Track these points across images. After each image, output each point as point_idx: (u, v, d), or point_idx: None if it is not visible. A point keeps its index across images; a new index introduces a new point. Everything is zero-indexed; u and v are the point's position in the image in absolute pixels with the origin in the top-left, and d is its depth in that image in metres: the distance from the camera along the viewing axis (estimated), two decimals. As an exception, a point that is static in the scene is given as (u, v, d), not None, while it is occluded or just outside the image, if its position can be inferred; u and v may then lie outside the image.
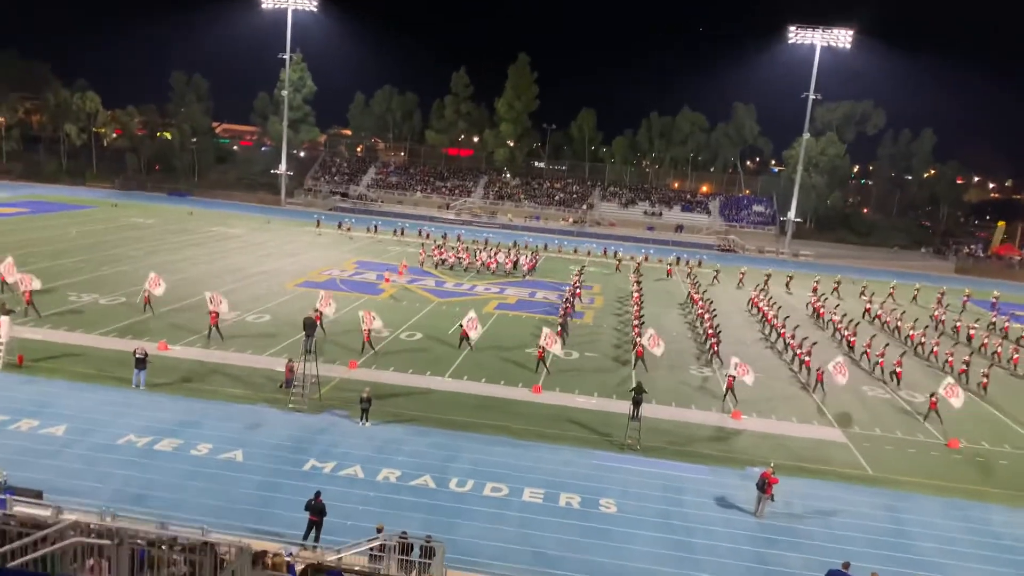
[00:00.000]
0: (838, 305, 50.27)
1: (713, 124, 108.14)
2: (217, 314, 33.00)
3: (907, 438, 28.44)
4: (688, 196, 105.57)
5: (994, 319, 50.97)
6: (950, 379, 31.56)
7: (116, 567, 9.93)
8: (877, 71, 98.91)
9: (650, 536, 19.47)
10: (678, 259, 69.95)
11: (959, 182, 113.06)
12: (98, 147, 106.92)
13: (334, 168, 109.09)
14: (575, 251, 72.08)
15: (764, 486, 20.66)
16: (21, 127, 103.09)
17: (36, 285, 34.41)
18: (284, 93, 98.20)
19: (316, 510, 17.36)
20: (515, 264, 59.24)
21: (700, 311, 44.30)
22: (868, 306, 51.41)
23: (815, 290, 55.70)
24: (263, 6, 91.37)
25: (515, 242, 70.49)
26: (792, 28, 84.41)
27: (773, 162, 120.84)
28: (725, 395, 30.48)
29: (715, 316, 41.91)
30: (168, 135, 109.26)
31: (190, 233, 64.52)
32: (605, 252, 71.76)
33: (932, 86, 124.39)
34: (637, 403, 25.49)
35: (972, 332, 45.32)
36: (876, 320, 48.92)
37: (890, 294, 57.41)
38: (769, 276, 59.09)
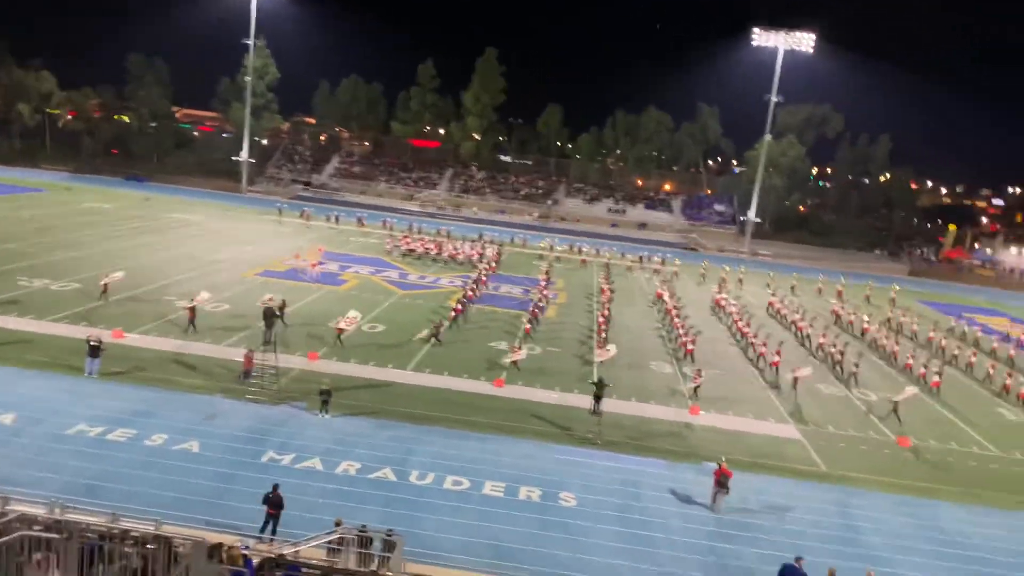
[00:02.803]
0: (799, 305, 51.21)
1: (678, 123, 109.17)
2: (194, 308, 32.34)
3: (859, 435, 29.09)
4: (652, 194, 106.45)
5: (954, 324, 52.35)
6: (911, 388, 32.47)
7: (65, 561, 9.69)
8: (837, 76, 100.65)
9: (608, 530, 19.62)
10: (641, 258, 70.34)
11: (913, 187, 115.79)
12: (52, 129, 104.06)
13: (297, 156, 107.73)
14: (551, 248, 71.92)
15: (726, 482, 20.92)
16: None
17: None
18: (247, 79, 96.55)
19: (274, 503, 17.15)
20: (481, 256, 59.27)
21: (669, 309, 45.11)
22: (836, 309, 52.48)
23: (768, 286, 57.84)
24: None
25: (480, 235, 70.49)
26: (756, 30, 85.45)
27: (735, 162, 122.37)
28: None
29: (687, 317, 42.43)
30: (126, 118, 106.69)
31: (147, 219, 63.15)
32: (571, 248, 71.87)
33: (889, 92, 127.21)
34: (598, 398, 25.69)
35: (931, 335, 46.49)
36: (838, 319, 50.16)
37: (839, 293, 59.14)
38: (726, 275, 60.54)
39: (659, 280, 57.45)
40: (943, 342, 45.21)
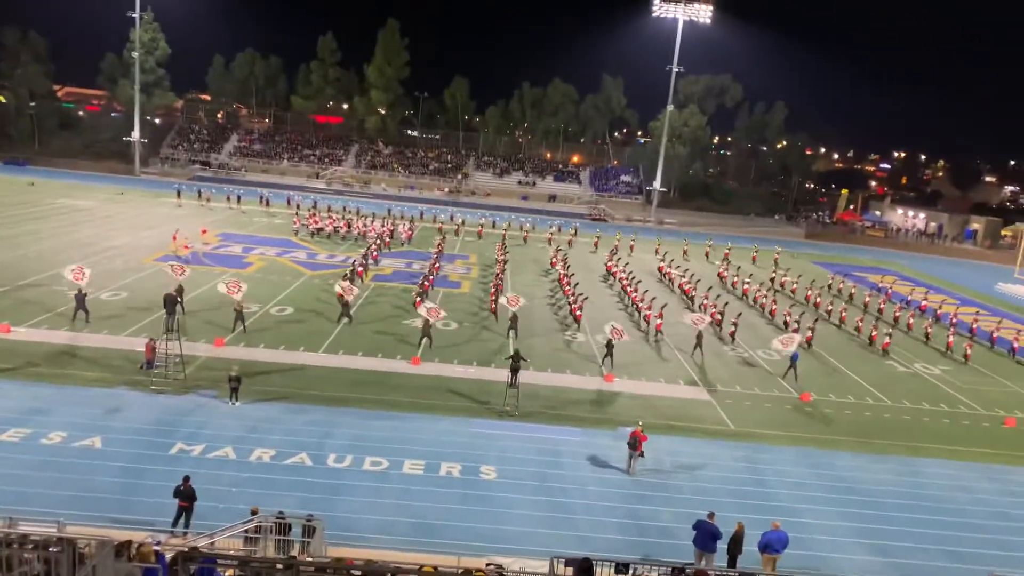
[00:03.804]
0: (687, 269, 52.89)
1: (583, 96, 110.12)
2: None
3: (764, 394, 30.40)
4: (560, 166, 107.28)
5: (831, 280, 55.47)
6: (791, 334, 33.81)
7: (-43, 572, 9.12)
8: (734, 46, 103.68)
9: (529, 499, 19.90)
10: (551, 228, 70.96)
11: (808, 153, 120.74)
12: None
13: (193, 135, 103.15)
14: (454, 220, 71.51)
15: (635, 444, 21.55)
16: None
17: None
18: (135, 55, 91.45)
19: (185, 495, 16.59)
20: (391, 233, 58.59)
21: (560, 277, 46.38)
22: (722, 271, 54.62)
23: (657, 251, 60.05)
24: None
25: (388, 210, 69.61)
26: (656, 1, 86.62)
27: (640, 133, 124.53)
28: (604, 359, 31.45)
29: (577, 284, 43.49)
30: (1, 99, 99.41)
31: (32, 205, 59.39)
32: (484, 221, 71.79)
33: (783, 62, 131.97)
34: (515, 370, 25.88)
35: (809, 293, 48.95)
36: (723, 281, 52.53)
37: (725, 256, 61.49)
38: (619, 242, 62.69)
39: (553, 249, 58.37)
40: (818, 299, 47.73)
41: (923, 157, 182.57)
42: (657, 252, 60.36)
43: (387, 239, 55.72)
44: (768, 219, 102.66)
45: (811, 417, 28.36)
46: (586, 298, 39.98)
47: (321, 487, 19.40)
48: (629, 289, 44.26)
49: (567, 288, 42.91)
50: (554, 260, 52.19)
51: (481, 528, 18.28)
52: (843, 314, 44.23)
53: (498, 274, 44.18)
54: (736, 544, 16.81)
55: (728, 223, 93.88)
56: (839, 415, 28.83)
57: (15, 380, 24.28)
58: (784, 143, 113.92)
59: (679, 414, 27.28)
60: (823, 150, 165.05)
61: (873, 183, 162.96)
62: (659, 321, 37.17)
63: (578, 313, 37.86)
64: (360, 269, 42.82)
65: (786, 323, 40.95)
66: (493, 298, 38.91)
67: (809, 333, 38.26)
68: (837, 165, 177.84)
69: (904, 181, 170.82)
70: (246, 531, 14.74)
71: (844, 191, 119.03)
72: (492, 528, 18.34)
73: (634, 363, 32.46)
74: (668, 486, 21.44)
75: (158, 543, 13.27)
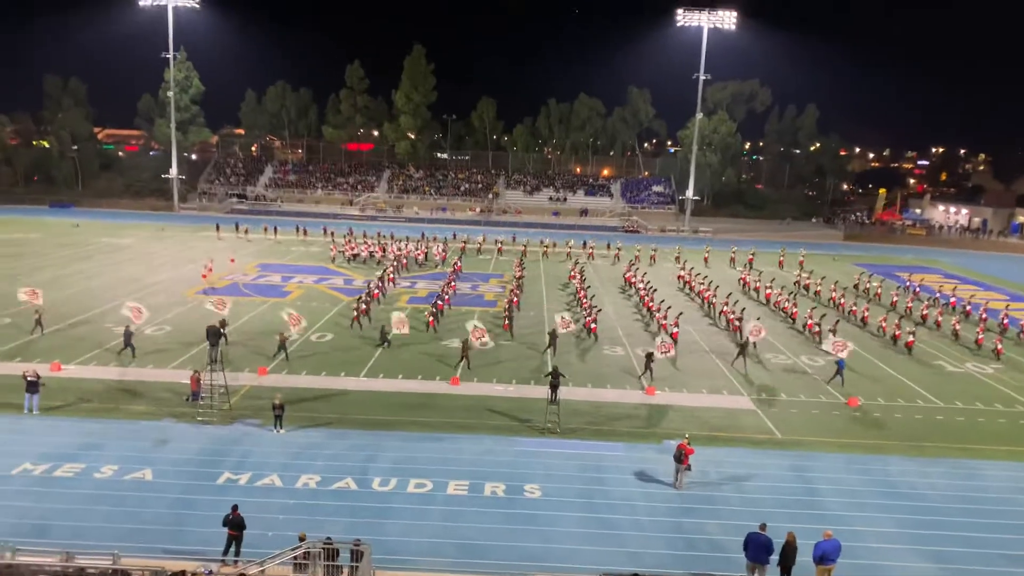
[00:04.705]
0: (706, 276, 52.35)
1: (610, 109, 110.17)
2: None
3: (810, 400, 29.85)
4: (590, 180, 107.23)
5: (857, 280, 54.67)
6: (832, 338, 33.38)
7: (19, 606, 9.35)
8: (761, 51, 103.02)
9: (575, 517, 19.74)
10: (585, 243, 70.93)
11: (842, 154, 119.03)
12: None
13: (229, 169, 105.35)
14: (493, 240, 71.85)
15: (681, 457, 21.28)
16: None
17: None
18: (170, 94, 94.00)
19: (234, 524, 16.79)
20: (426, 255, 59.13)
21: (578, 290, 46.47)
22: (744, 276, 54.04)
23: (677, 260, 60.45)
24: (140, 4, 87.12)
25: (423, 233, 70.22)
26: (679, 11, 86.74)
27: (669, 143, 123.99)
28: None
29: (593, 296, 43.33)
30: (45, 143, 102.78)
31: (77, 246, 61.10)
32: (514, 239, 72.08)
33: (811, 63, 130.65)
34: (555, 387, 25.80)
35: (833, 295, 48.17)
36: (746, 286, 52.12)
37: (749, 261, 61.27)
38: (639, 253, 62.89)
39: (571, 262, 58.25)
40: (842, 300, 47.14)
41: (962, 151, 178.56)
42: (677, 260, 60.02)
43: (403, 261, 56.02)
44: (805, 222, 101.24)
45: (860, 422, 27.74)
46: (599, 310, 39.93)
47: (367, 511, 19.49)
48: (646, 299, 44.02)
49: (584, 301, 42.78)
50: (572, 274, 52.14)
51: (528, 547, 18.18)
52: (866, 314, 43.43)
53: (512, 290, 44.20)
54: (788, 555, 16.48)
55: (763, 229, 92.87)
56: (889, 419, 28.16)
57: (68, 416, 24.88)
58: (817, 145, 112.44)
59: (724, 424, 26.91)
60: (858, 150, 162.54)
61: (912, 181, 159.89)
62: (675, 330, 36.70)
63: (592, 326, 37.71)
64: (376, 291, 43.14)
65: (807, 326, 40.20)
66: (506, 315, 39.02)
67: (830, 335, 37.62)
68: (873, 164, 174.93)
69: (944, 177, 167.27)
70: (295, 558, 14.88)
71: (881, 190, 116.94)
72: (539, 547, 18.22)
73: (675, 374, 32.15)
74: (716, 498, 21.11)
75: (209, 572, 13.48)
